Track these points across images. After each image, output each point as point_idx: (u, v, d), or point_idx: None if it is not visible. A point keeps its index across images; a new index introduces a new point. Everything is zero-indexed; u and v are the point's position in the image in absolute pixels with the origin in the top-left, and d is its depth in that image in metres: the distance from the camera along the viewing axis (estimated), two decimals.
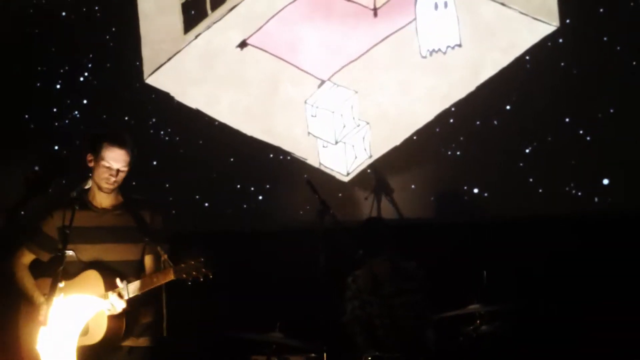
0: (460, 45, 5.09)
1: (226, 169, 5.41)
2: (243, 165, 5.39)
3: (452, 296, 4.45)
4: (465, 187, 5.14)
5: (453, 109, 5.12)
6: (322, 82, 5.32)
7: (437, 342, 4.45)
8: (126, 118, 5.54)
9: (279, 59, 5.36)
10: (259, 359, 4.30)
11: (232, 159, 5.42)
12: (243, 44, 5.40)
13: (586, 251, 4.77)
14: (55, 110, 5.63)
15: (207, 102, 5.42)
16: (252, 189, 5.38)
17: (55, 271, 3.43)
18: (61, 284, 3.42)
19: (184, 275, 3.50)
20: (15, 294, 3.79)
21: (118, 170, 3.72)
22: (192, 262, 3.49)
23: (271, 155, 5.36)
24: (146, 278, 3.61)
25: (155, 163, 5.47)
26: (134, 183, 3.88)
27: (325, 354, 4.04)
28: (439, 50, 5.10)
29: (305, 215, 5.21)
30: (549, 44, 4.98)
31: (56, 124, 5.61)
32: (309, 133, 5.32)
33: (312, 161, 5.31)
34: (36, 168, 5.22)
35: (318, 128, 5.30)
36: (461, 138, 5.14)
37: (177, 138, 5.48)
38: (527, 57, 5.00)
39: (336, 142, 5.28)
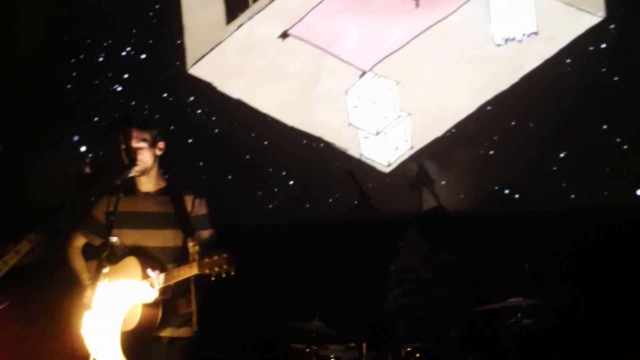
0: (536, 33, 5.01)
1: (260, 152, 5.42)
2: (276, 150, 5.41)
3: (493, 289, 4.42)
4: (497, 188, 5.09)
5: (489, 107, 5.08)
6: (364, 72, 5.30)
7: (478, 336, 4.43)
8: (165, 95, 5.57)
9: (320, 50, 5.36)
10: (299, 347, 4.30)
11: (265, 142, 5.43)
12: (284, 35, 5.41)
13: (627, 247, 4.70)
14: (97, 82, 5.68)
15: (248, 92, 5.44)
16: (284, 173, 5.39)
17: (100, 257, 3.47)
18: (106, 270, 3.45)
19: (207, 271, 3.47)
20: (69, 278, 3.87)
21: (135, 149, 3.71)
22: (216, 258, 3.45)
23: (304, 142, 5.35)
24: (174, 270, 3.61)
25: (190, 141, 5.50)
26: (168, 160, 3.89)
27: (364, 344, 4.03)
28: (514, 38, 5.03)
29: (335, 203, 5.23)
30: (591, 48, 4.92)
31: (97, 96, 5.65)
32: (350, 124, 5.31)
33: (353, 152, 5.30)
34: (87, 169, 5.29)
35: (359, 119, 5.29)
36: (495, 138, 5.10)
37: (214, 118, 5.51)
38: (568, 60, 4.94)
39: (377, 133, 5.27)
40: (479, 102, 5.14)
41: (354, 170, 4.49)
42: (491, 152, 5.10)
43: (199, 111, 5.53)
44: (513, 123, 5.07)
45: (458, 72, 5.16)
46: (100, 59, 5.69)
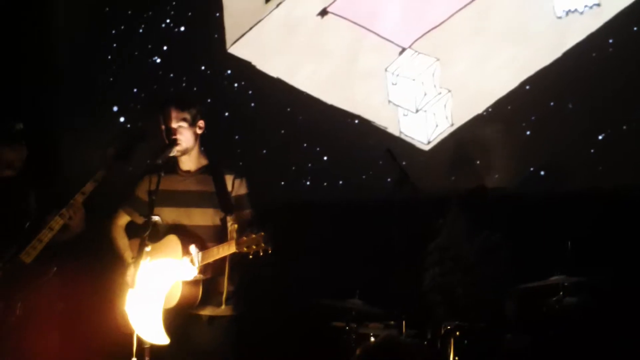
0: (599, 5, 4.87)
1: (294, 127, 5.40)
2: (311, 125, 5.38)
3: (535, 267, 4.38)
4: (532, 169, 5.03)
5: (527, 87, 5.00)
6: (403, 49, 5.25)
7: (519, 314, 4.41)
8: (202, 67, 5.57)
9: (360, 27, 5.32)
10: (338, 325, 4.33)
11: (300, 117, 5.41)
12: (323, 12, 5.38)
13: None
14: (136, 53, 5.70)
15: (287, 71, 5.42)
16: (318, 149, 5.37)
17: (142, 236, 3.52)
18: (148, 248, 3.49)
19: (245, 249, 3.50)
20: (112, 256, 3.94)
21: (175, 129, 3.74)
22: (253, 236, 3.48)
23: (339, 118, 5.32)
24: (212, 249, 3.65)
25: (227, 114, 5.50)
26: (204, 133, 3.92)
27: (404, 322, 4.04)
28: (576, 10, 4.90)
29: (368, 180, 5.21)
30: (635, 28, 4.78)
31: (137, 67, 5.68)
32: (389, 101, 5.28)
33: (392, 130, 5.26)
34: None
35: (398, 96, 5.25)
36: (532, 118, 5.02)
37: (250, 92, 5.49)
38: (611, 41, 4.82)
39: (417, 111, 5.23)
40: (521, 78, 5.04)
41: (392, 148, 4.48)
42: (528, 133, 5.03)
43: (236, 85, 5.52)
44: (552, 104, 4.99)
45: (500, 47, 5.07)
46: (140, 31, 5.70)
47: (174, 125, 3.76)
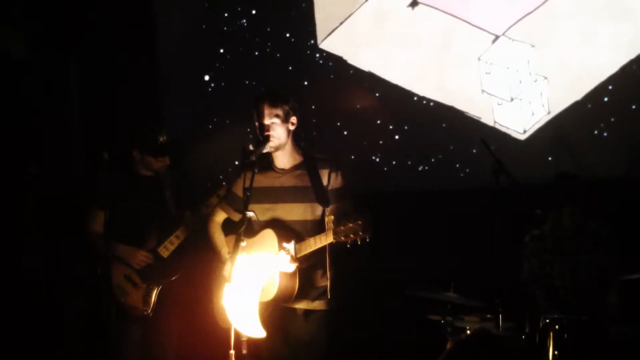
0: None
1: (370, 103, 5.38)
2: (387, 103, 5.35)
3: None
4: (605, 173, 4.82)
5: (610, 87, 4.82)
6: (496, 37, 5.14)
7: (622, 306, 4.25)
8: (287, 35, 5.60)
9: (451, 16, 5.24)
10: (433, 319, 4.29)
11: (377, 94, 5.38)
12: (414, 3, 5.32)
13: None
14: (226, 15, 5.74)
15: (379, 63, 5.40)
16: (391, 127, 5.33)
17: (238, 231, 3.59)
18: (244, 243, 3.53)
19: (343, 238, 3.49)
20: (210, 251, 4.06)
21: (268, 126, 3.74)
22: (350, 225, 3.46)
23: (415, 98, 5.26)
24: (309, 239, 3.66)
25: (306, 83, 5.51)
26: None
27: (501, 315, 3.97)
28: None
29: (437, 163, 5.19)
30: None
31: (225, 28, 5.73)
32: (482, 91, 5.18)
33: (487, 119, 5.16)
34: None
35: (492, 85, 5.14)
36: (612, 119, 4.82)
37: (330, 63, 5.49)
38: None
39: (512, 99, 5.11)
40: (621, 62, 4.85)
41: (486, 138, 4.40)
42: (605, 134, 4.85)
43: (317, 55, 5.53)
44: (633, 107, 4.79)
45: (598, 29, 4.90)
46: None
47: (267, 121, 3.77)
